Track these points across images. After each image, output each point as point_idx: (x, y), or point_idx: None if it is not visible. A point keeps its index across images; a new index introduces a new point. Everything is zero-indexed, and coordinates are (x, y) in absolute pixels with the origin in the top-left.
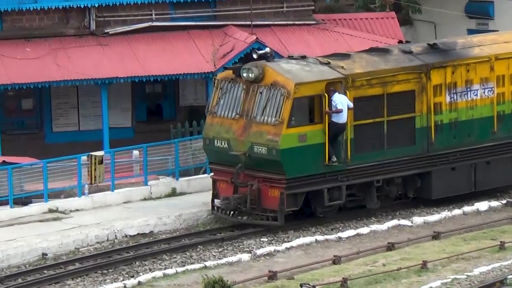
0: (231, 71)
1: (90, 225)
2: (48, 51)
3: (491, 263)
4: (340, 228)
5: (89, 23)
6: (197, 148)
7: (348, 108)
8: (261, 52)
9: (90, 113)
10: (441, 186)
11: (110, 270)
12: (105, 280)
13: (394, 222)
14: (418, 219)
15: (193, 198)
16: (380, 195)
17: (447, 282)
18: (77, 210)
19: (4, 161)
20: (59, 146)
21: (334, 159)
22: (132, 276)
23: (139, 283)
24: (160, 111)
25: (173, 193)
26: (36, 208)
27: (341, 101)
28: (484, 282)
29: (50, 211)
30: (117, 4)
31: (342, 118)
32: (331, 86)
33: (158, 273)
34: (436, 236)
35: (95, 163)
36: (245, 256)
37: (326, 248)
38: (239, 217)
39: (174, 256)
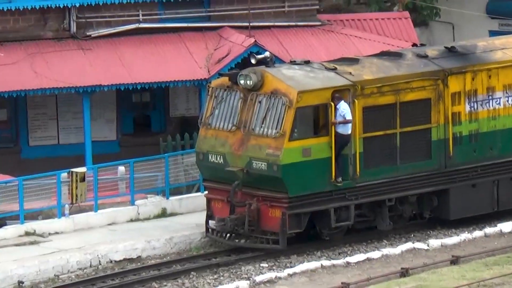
0: (227, 78)
1: (71, 249)
2: (24, 56)
3: None
4: (349, 252)
5: (69, 25)
6: (190, 164)
7: None
8: (260, 56)
9: (70, 125)
10: (460, 205)
11: None
12: None
13: (408, 245)
14: (434, 242)
15: (185, 219)
16: (393, 215)
17: None
18: (57, 233)
19: None
20: (37, 161)
21: (340, 179)
22: None
23: None
24: (149, 123)
25: (163, 214)
26: (11, 230)
27: (348, 110)
28: None
29: (27, 234)
30: (100, 4)
31: (349, 129)
32: (338, 94)
33: None
34: (455, 261)
35: (76, 181)
36: (243, 284)
37: (333, 274)
38: (236, 240)
39: (165, 283)
